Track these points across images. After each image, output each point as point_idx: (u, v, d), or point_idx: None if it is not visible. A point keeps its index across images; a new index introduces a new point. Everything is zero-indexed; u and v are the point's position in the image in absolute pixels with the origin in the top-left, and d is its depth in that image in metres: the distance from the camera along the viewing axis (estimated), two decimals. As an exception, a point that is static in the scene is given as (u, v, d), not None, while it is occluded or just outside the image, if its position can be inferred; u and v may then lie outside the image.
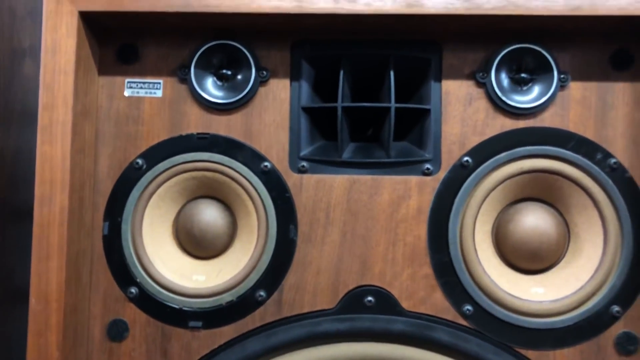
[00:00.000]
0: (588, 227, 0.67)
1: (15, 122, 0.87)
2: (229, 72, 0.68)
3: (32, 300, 0.60)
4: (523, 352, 0.65)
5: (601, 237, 0.66)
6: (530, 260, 0.67)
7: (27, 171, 0.86)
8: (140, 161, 0.67)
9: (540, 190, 0.68)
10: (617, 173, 0.66)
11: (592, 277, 0.65)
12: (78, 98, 0.63)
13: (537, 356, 0.65)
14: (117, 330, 0.66)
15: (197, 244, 0.68)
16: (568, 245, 0.68)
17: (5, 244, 0.83)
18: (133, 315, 0.66)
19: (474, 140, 0.67)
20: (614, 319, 0.65)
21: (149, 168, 0.67)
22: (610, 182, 0.65)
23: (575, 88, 0.67)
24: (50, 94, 0.62)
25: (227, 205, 0.69)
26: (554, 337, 0.65)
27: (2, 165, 0.83)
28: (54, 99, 0.62)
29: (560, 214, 0.68)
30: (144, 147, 0.68)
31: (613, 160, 0.66)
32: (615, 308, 0.65)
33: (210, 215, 0.68)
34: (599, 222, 0.66)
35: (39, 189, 0.62)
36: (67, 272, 0.62)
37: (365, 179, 0.67)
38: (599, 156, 0.66)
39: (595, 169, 0.66)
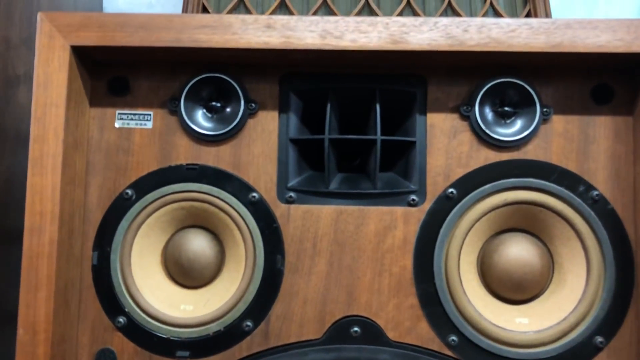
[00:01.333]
0: (571, 258, 0.68)
1: (8, 148, 0.88)
2: (219, 104, 0.69)
3: (20, 331, 0.61)
4: (508, 382, 0.66)
5: (584, 268, 0.67)
6: (514, 290, 0.68)
7: (20, 196, 0.87)
8: (129, 191, 0.68)
9: (524, 221, 0.69)
10: (599, 205, 0.67)
11: (575, 308, 0.66)
12: (69, 130, 0.65)
13: (521, 387, 0.66)
14: (104, 360, 0.67)
15: (185, 274, 0.69)
16: (552, 276, 0.69)
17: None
18: (121, 344, 0.67)
19: (459, 172, 0.68)
20: (597, 349, 0.66)
21: (138, 198, 0.68)
22: (592, 213, 0.67)
23: (558, 121, 0.68)
24: (41, 127, 0.63)
25: (216, 235, 0.70)
26: (538, 367, 0.66)
27: (-5, 191, 0.84)
28: (44, 132, 0.63)
29: (544, 245, 0.69)
30: (133, 178, 0.68)
31: (595, 193, 0.67)
32: (599, 339, 0.66)
33: (198, 245, 0.69)
34: (582, 253, 0.67)
35: (29, 220, 0.63)
36: (56, 303, 0.62)
37: (352, 210, 0.68)
38: (581, 188, 0.67)
39: (577, 200, 0.67)
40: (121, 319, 0.67)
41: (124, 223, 0.68)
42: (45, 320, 0.61)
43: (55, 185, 0.63)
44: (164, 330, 0.67)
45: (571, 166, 0.68)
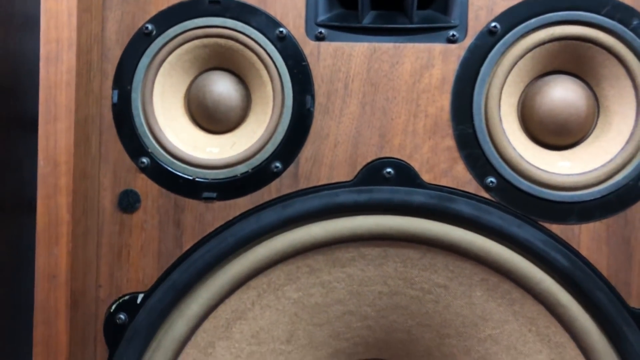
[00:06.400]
0: (619, 99, 0.64)
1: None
2: None
3: (41, 163, 0.59)
4: (547, 225, 0.63)
5: (633, 109, 0.63)
6: (557, 134, 0.64)
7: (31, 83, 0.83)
8: (149, 26, 0.64)
9: (571, 61, 0.64)
10: (654, 40, 0.62)
11: (622, 149, 0.63)
12: (83, -47, 0.60)
13: (561, 230, 0.63)
14: (128, 202, 0.64)
15: (210, 116, 0.65)
16: (597, 120, 0.65)
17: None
18: (145, 186, 0.65)
19: (503, 5, 0.63)
20: (644, 192, 0.63)
21: (159, 34, 0.64)
22: (646, 49, 0.62)
23: (613, -51, 0.63)
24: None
25: (241, 79, 0.66)
26: (579, 210, 0.63)
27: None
28: (57, -48, 0.59)
29: (590, 88, 0.65)
30: (153, 12, 0.64)
31: (650, 27, 0.62)
32: (645, 181, 0.63)
33: (223, 86, 0.65)
34: (632, 93, 0.63)
35: (45, 49, 0.59)
36: (76, 136, 0.60)
37: (386, 47, 0.64)
38: (635, 22, 0.62)
39: (630, 35, 0.62)
40: (144, 160, 0.64)
41: (144, 60, 0.64)
42: (66, 152, 0.59)
43: (71, 10, 0.59)
44: (190, 172, 0.64)
45: (625, -2, 0.63)
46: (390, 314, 0.67)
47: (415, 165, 0.64)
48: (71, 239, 0.59)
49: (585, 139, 0.65)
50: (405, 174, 0.64)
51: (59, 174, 0.58)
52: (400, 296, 0.66)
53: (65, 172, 0.59)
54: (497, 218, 0.63)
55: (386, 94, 0.64)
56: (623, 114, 0.64)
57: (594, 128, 0.65)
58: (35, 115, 0.77)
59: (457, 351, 0.67)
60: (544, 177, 0.63)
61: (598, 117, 0.65)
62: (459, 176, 0.64)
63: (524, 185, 0.63)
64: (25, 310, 0.78)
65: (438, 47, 0.64)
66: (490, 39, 0.63)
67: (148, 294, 0.64)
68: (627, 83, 0.63)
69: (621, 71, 0.63)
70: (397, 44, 0.64)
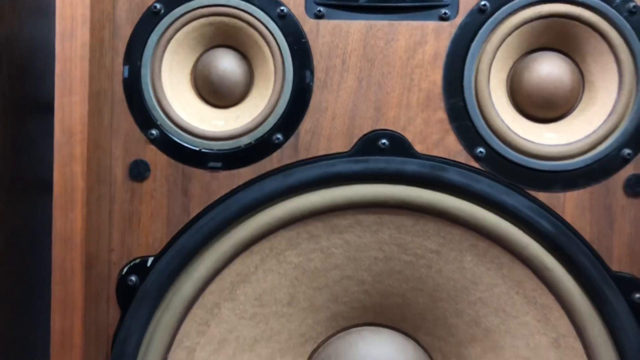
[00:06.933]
0: (603, 74, 0.67)
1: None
2: None
3: (57, 133, 0.62)
4: (534, 193, 0.67)
5: (616, 83, 0.66)
6: (544, 107, 0.67)
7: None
8: (158, 5, 0.68)
9: (557, 38, 0.68)
10: (636, 17, 0.65)
11: (604, 121, 0.66)
12: None
13: (547, 197, 0.67)
14: (138, 171, 0.68)
15: (215, 91, 0.69)
16: (582, 94, 0.68)
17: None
18: (154, 156, 0.68)
19: (492, -16, 0.66)
20: (625, 161, 0.66)
21: (166, 12, 0.68)
22: (628, 25, 0.65)
23: None
24: None
25: (245, 55, 0.70)
26: (564, 179, 0.67)
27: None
28: None
29: (576, 64, 0.68)
30: (161, -8, 0.68)
31: (632, 4, 0.65)
32: (627, 151, 0.66)
33: (228, 63, 0.69)
34: (615, 68, 0.66)
35: (60, 25, 0.63)
36: (90, 108, 0.63)
37: (381, 25, 0.67)
38: (617, 0, 0.65)
39: (613, 12, 0.65)
40: (153, 132, 0.68)
41: (153, 37, 0.68)
42: (80, 122, 0.63)
43: (84, -12, 0.63)
44: (196, 143, 0.68)
45: (608, -23, 0.66)
46: (385, 278, 0.71)
47: (409, 136, 0.68)
48: (85, 205, 0.63)
49: (570, 112, 0.68)
50: (400, 145, 0.68)
51: (74, 143, 0.62)
52: (395, 261, 0.70)
53: (80, 141, 0.62)
54: (486, 186, 0.66)
55: (381, 69, 0.68)
56: (606, 88, 0.67)
57: (579, 102, 0.68)
58: (48, 96, 0.81)
59: (449, 314, 0.71)
60: (531, 148, 0.67)
61: (583, 91, 0.68)
62: (450, 147, 0.67)
63: (512, 155, 0.67)
64: (44, 273, 0.83)
65: (431, 25, 0.67)
66: (480, 16, 0.67)
67: (157, 258, 0.68)
68: (610, 58, 0.66)
69: (604, 47, 0.66)
70: (392, 22, 0.67)
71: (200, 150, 0.68)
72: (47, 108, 0.87)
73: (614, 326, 0.65)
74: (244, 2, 0.67)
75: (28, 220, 0.82)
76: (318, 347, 0.73)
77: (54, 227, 0.62)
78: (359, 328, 0.74)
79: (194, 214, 0.68)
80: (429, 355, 0.73)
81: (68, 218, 0.62)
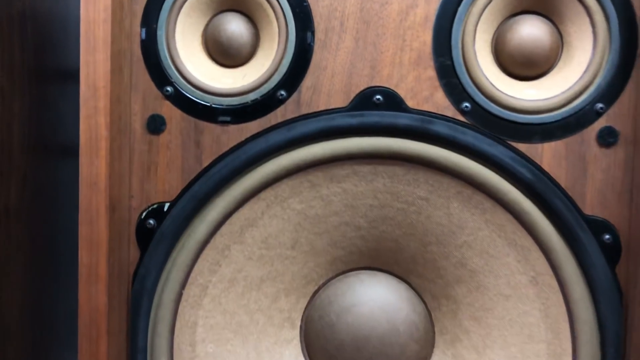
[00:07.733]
0: (580, 35, 0.73)
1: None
2: None
3: (83, 87, 0.69)
4: (514, 144, 0.73)
5: (591, 43, 0.72)
6: (524, 66, 0.74)
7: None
8: (172, -28, 0.74)
9: (538, 2, 0.73)
10: (610, -18, 0.71)
11: (580, 78, 0.72)
12: None
13: (526, 148, 0.73)
14: (155, 124, 0.75)
15: (224, 52, 0.75)
16: (561, 54, 0.74)
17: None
18: (169, 111, 0.75)
19: (478, -48, 0.72)
20: (598, 115, 0.72)
21: (180, -22, 0.74)
22: (602, -10, 0.71)
23: None
24: None
25: (251, 19, 0.76)
26: (543, 131, 0.73)
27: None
28: None
29: (555, 26, 0.74)
30: (175, -40, 0.74)
31: (607, -30, 0.71)
32: (600, 105, 0.72)
33: (236, 25, 0.75)
34: (590, 30, 0.72)
35: (84, -10, 0.69)
36: (112, 66, 0.70)
37: (376, -10, 0.74)
38: (593, -34, 0.71)
39: (589, -22, 0.71)
40: (169, 89, 0.75)
41: (167, 2, 0.74)
42: (103, 78, 0.69)
43: (105, -44, 0.69)
44: (207, 99, 0.75)
45: (585, -55, 0.71)
46: (380, 224, 0.77)
47: (401, 92, 0.74)
48: (109, 152, 0.70)
49: (549, 71, 0.74)
50: (393, 101, 0.74)
51: (98, 97, 0.69)
52: (388, 208, 0.76)
53: (103, 95, 0.69)
54: (471, 138, 0.73)
55: (376, 31, 0.74)
56: (583, 49, 0.73)
57: (557, 61, 0.74)
58: (69, 63, 0.88)
59: (438, 257, 0.77)
60: (513, 103, 0.73)
61: (562, 51, 0.74)
62: (439, 102, 0.74)
63: (495, 109, 0.73)
64: (66, 221, 0.90)
65: (422, -10, 0.73)
66: (467, -18, 0.73)
67: (173, 203, 0.75)
68: (586, 20, 0.72)
69: (581, 10, 0.72)
70: (386, -13, 0.73)
71: (211, 105, 0.75)
72: (68, 75, 0.94)
73: (586, 264, 0.72)
74: (250, -31, 0.73)
75: (50, 178, 0.89)
76: (319, 288, 0.80)
77: (80, 172, 0.69)
78: (357, 272, 0.81)
79: (205, 163, 0.75)
80: (420, 297, 0.80)
81: (93, 164, 0.69)
